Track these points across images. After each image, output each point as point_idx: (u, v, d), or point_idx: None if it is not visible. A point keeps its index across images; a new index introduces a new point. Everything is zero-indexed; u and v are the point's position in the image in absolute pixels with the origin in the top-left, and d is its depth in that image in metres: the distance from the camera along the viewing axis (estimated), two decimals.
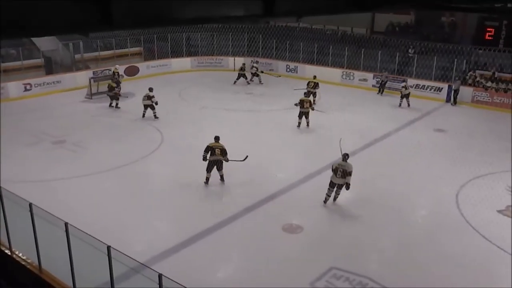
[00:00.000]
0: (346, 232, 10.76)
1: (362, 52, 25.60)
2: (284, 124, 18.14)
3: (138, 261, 7.24)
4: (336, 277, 8.90)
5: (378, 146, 16.31)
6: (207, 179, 12.61)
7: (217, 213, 11.23)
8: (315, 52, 27.35)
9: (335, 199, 11.83)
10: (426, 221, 11.68)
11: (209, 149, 12.41)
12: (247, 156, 12.98)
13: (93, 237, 7.01)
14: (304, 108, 17.48)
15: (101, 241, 6.85)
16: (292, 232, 10.62)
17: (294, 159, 15.06)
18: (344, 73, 25.79)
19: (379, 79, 24.17)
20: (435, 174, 13.94)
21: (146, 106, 18.67)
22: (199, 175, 12.83)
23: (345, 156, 11.63)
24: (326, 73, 25.79)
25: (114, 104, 20.40)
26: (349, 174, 11.28)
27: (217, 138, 12.65)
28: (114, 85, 20.48)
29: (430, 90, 23.05)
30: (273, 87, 24.56)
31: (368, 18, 31.28)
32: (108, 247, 6.71)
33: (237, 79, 24.85)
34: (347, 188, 11.40)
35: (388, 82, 23.91)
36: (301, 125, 17.70)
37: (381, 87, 24.03)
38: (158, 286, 6.10)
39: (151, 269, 6.78)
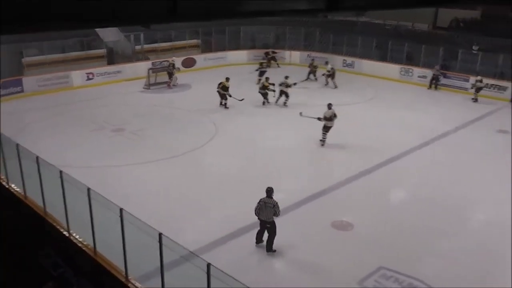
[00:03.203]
0: (397, 232, 10.50)
1: (423, 48, 24.75)
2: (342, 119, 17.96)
3: (188, 249, 7.40)
4: (385, 277, 8.72)
5: (436, 145, 15.79)
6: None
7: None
8: (373, 47, 26.74)
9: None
10: (484, 226, 11.17)
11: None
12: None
13: (147, 223, 7.23)
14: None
15: (153, 228, 7.05)
16: (343, 229, 10.49)
17: (349, 155, 14.84)
18: (403, 69, 25.09)
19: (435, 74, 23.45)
20: (494, 176, 13.34)
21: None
22: (255, 167, 12.89)
23: (330, 105, 14.83)
24: (384, 69, 25.27)
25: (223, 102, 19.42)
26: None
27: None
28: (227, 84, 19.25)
29: (494, 89, 21.99)
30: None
31: (431, 13, 30.29)
32: (160, 234, 6.89)
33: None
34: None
35: (441, 77, 23.18)
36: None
37: (433, 82, 23.41)
38: (206, 275, 6.19)
39: (200, 258, 6.90)
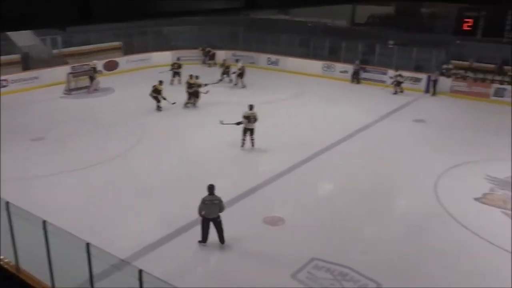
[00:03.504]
0: (327, 223, 10.82)
1: (343, 44, 25.66)
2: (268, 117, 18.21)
3: (118, 257, 7.21)
4: (317, 267, 8.96)
5: (358, 137, 16.42)
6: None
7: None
8: (297, 45, 27.34)
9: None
10: (407, 210, 11.79)
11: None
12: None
13: (72, 234, 6.95)
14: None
15: (80, 238, 6.79)
16: (274, 224, 10.65)
17: (276, 151, 15.05)
18: (325, 65, 25.86)
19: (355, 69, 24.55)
20: (415, 164, 14.10)
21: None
22: (181, 170, 12.79)
23: (251, 106, 14.42)
24: (308, 66, 25.93)
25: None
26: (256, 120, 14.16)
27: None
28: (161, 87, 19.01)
29: (410, 81, 23.23)
30: (254, 80, 24.52)
31: (349, 10, 31.40)
32: (87, 244, 6.65)
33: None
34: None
35: (361, 72, 24.27)
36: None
37: (354, 77, 24.49)
38: (139, 282, 6.06)
39: (131, 265, 6.75)
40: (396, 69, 22.68)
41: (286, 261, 9.27)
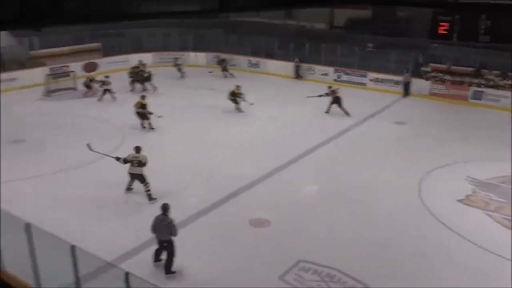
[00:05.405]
0: (312, 225, 10.85)
1: (323, 46, 25.87)
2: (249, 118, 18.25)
3: (104, 259, 7.12)
4: (304, 269, 8.98)
5: (339, 140, 16.51)
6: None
7: (186, 208, 11.11)
8: (276, 47, 27.47)
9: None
10: (389, 212, 11.81)
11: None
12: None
13: (57, 236, 6.84)
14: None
15: (65, 241, 6.69)
16: (260, 226, 10.64)
17: (258, 154, 15.05)
18: (306, 67, 26.04)
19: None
20: (396, 166, 14.24)
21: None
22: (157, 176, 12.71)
23: (138, 148, 11.66)
24: (288, 68, 26.06)
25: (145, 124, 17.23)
26: (144, 164, 11.44)
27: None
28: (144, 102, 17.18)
29: (389, 83, 23.55)
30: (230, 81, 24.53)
31: (327, 13, 31.71)
32: (73, 247, 6.55)
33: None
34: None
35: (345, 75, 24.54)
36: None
37: (296, 73, 25.86)
38: (125, 284, 5.99)
39: (117, 267, 6.67)
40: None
41: (272, 263, 9.27)
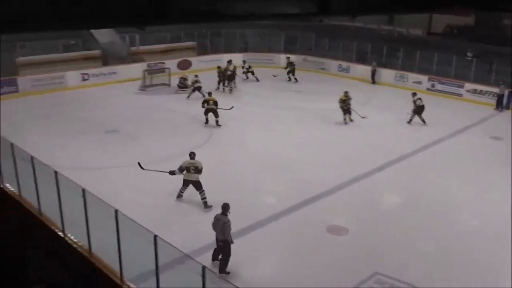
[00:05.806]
0: (392, 237, 10.51)
1: (418, 53, 24.85)
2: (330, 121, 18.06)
3: (183, 252, 7.36)
4: (380, 282, 8.72)
5: (430, 151, 15.82)
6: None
7: (265, 208, 11.20)
8: (369, 53, 26.82)
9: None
10: (476, 230, 11.20)
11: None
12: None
13: (142, 226, 7.19)
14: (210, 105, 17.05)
15: (149, 230, 7.01)
16: (337, 234, 10.49)
17: (343, 160, 14.81)
18: (398, 74, 25.18)
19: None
20: (488, 183, 13.43)
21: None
22: (243, 176, 12.88)
23: (191, 155, 11.34)
24: (379, 74, 25.38)
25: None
26: (200, 171, 11.13)
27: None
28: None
29: (488, 95, 22.12)
30: (318, 84, 24.33)
31: (425, 19, 30.50)
32: (155, 236, 6.85)
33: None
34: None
35: (440, 84, 23.32)
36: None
37: (372, 78, 25.11)
38: (201, 277, 6.16)
39: (195, 261, 6.87)
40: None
41: (347, 272, 9.10)
